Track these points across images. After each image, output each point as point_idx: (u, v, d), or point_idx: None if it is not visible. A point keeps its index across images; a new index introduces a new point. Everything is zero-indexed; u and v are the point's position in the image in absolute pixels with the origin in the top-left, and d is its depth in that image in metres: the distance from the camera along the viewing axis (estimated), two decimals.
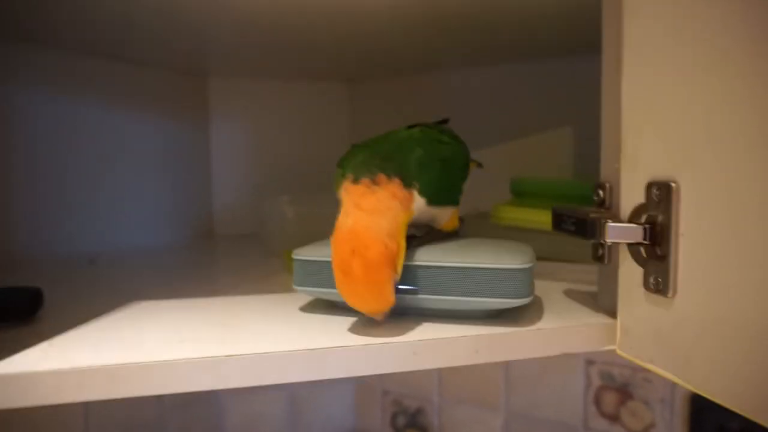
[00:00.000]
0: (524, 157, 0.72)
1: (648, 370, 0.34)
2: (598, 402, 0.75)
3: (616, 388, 0.74)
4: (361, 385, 0.97)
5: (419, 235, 0.43)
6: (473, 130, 0.76)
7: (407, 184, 0.40)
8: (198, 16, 0.58)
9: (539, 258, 0.41)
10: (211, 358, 0.31)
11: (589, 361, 0.75)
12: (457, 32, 0.66)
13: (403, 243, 0.37)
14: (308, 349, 0.32)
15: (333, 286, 0.38)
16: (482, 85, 0.84)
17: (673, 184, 0.31)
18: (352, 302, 0.35)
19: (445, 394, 0.88)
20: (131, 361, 0.30)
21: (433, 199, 0.41)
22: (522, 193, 0.62)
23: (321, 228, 0.66)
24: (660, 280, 0.32)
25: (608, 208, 0.38)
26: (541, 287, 0.47)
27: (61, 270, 0.62)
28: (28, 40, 0.66)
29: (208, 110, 0.90)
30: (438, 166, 0.42)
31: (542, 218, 0.53)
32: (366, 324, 0.37)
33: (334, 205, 0.73)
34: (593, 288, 0.45)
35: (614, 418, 0.74)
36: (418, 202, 0.40)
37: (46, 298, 0.42)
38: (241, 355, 0.31)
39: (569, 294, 0.45)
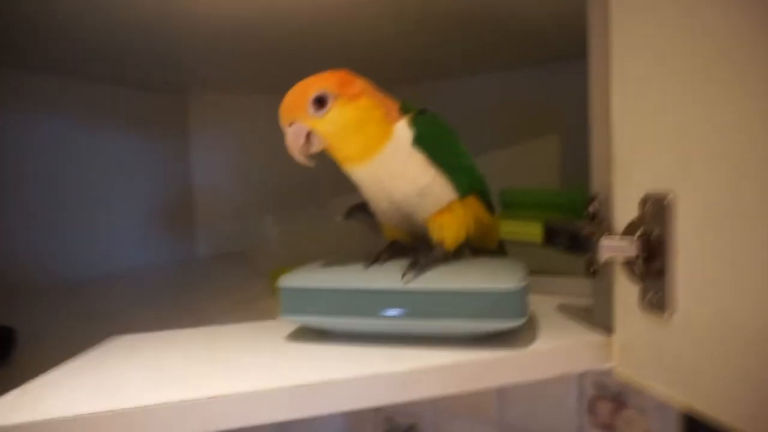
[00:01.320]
0: (511, 167, 0.71)
1: None
2: (592, 411, 0.74)
3: (610, 397, 0.73)
4: None
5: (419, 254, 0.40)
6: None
7: (404, 110, 0.39)
8: (175, 29, 0.57)
9: (532, 271, 0.40)
10: (193, 400, 0.29)
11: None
12: (444, 42, 0.65)
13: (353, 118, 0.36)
14: (296, 386, 0.31)
15: (321, 314, 0.37)
16: (466, 95, 0.84)
17: (668, 198, 0.30)
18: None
19: (438, 409, 0.86)
20: (108, 408, 0.28)
21: (424, 141, 0.37)
22: (512, 204, 0.62)
23: (307, 247, 0.65)
24: (658, 297, 0.31)
25: (600, 222, 0.37)
26: (534, 302, 0.45)
27: (38, 299, 0.60)
28: (4, 62, 0.64)
29: (188, 127, 0.88)
30: (443, 124, 0.40)
31: (534, 230, 0.52)
32: (356, 354, 0.35)
33: (320, 224, 0.72)
34: (586, 302, 0.44)
35: (609, 428, 0.73)
36: (404, 131, 0.38)
37: (21, 334, 0.40)
38: (225, 395, 0.30)
39: (563, 309, 0.44)
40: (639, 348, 0.33)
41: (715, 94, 0.27)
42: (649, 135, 0.31)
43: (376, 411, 0.92)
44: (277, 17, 0.54)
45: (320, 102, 0.36)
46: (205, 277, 0.75)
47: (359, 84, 0.38)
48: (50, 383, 0.33)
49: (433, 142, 0.39)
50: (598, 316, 0.39)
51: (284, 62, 0.71)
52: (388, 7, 0.52)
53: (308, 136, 0.37)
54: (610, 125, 0.34)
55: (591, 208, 0.38)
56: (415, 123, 0.38)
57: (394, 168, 0.38)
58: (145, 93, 0.81)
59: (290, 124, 0.37)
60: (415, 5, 0.52)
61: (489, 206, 0.45)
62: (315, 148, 0.37)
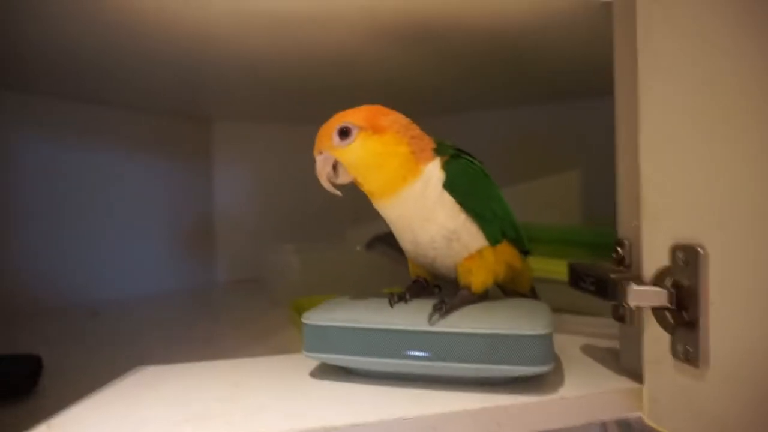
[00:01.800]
0: (532, 202, 0.71)
1: None
2: None
3: None
4: None
5: (445, 298, 0.38)
6: None
7: (439, 151, 0.39)
8: (199, 64, 0.58)
9: (554, 309, 0.40)
10: None
11: None
12: (466, 78, 0.65)
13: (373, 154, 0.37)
14: (323, 428, 0.30)
15: (344, 353, 0.37)
16: (487, 129, 0.84)
17: (700, 249, 0.29)
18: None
19: None
20: None
21: (455, 186, 0.38)
22: (531, 240, 0.61)
23: (326, 276, 0.66)
24: (689, 349, 0.30)
25: (628, 267, 0.37)
26: (559, 343, 0.45)
27: (62, 323, 0.61)
28: (32, 90, 0.66)
29: (211, 155, 0.89)
30: (478, 170, 0.40)
31: (557, 268, 0.51)
32: (380, 395, 0.35)
33: (339, 254, 0.72)
34: (613, 343, 0.44)
35: None
36: (435, 173, 0.38)
37: (45, 361, 0.40)
38: None
39: (588, 351, 0.43)
40: (670, 400, 0.32)
41: (746, 144, 0.27)
42: (679, 184, 0.31)
43: None
44: (300, 55, 0.56)
45: (344, 133, 0.37)
46: (225, 304, 0.76)
47: (389, 120, 0.38)
48: (76, 417, 0.33)
49: (464, 188, 0.38)
50: (625, 362, 0.38)
51: (305, 95, 0.72)
52: (409, 46, 0.53)
53: (336, 165, 0.38)
54: (637, 172, 0.34)
55: (618, 253, 0.38)
56: (447, 167, 0.38)
57: (421, 209, 0.38)
58: (169, 120, 0.83)
59: (320, 153, 0.38)
60: (434, 44, 0.53)
61: (523, 251, 0.45)
62: (342, 177, 0.39)
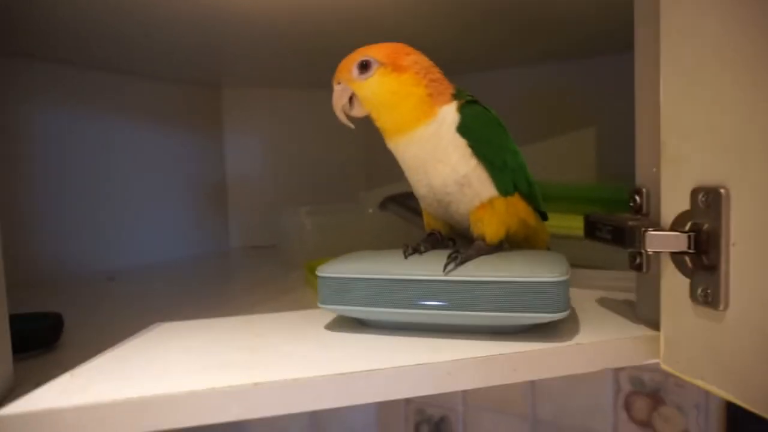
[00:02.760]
0: (546, 159, 0.70)
1: None
2: (628, 408, 0.73)
3: (647, 394, 0.72)
4: None
5: (459, 249, 0.38)
6: None
7: (457, 96, 0.39)
8: (209, 27, 0.57)
9: (571, 264, 0.39)
10: (239, 386, 0.29)
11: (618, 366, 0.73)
12: (477, 35, 0.64)
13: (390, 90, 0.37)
14: (339, 374, 0.31)
15: (360, 304, 0.37)
16: (502, 87, 0.82)
17: (722, 190, 0.29)
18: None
19: (469, 402, 0.86)
20: (156, 393, 0.29)
21: (468, 129, 0.38)
22: (546, 198, 0.61)
23: (340, 239, 0.66)
24: (709, 291, 0.30)
25: (646, 215, 0.37)
26: (575, 296, 0.45)
27: (80, 288, 0.62)
28: (41, 57, 0.66)
29: (221, 120, 0.89)
30: (493, 118, 0.40)
31: (572, 223, 0.51)
32: (396, 344, 0.35)
33: (353, 216, 0.72)
34: (629, 295, 0.43)
35: (646, 425, 0.72)
36: (450, 115, 0.38)
37: (66, 321, 0.41)
38: (269, 382, 0.30)
39: (604, 303, 0.43)
40: (687, 343, 0.32)
41: None
42: (702, 126, 0.30)
43: (407, 402, 0.92)
44: (309, 13, 0.54)
45: (364, 66, 0.38)
46: (239, 268, 0.76)
47: (410, 59, 0.38)
48: (98, 367, 0.33)
49: (477, 132, 0.38)
50: (642, 310, 0.38)
51: (316, 58, 0.71)
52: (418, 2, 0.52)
53: (352, 98, 0.39)
54: (659, 116, 0.33)
55: (635, 200, 0.37)
56: (462, 110, 0.38)
57: (434, 150, 0.38)
58: (179, 87, 0.82)
59: (338, 83, 0.39)
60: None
61: (539, 212, 0.44)
62: (356, 110, 0.39)
